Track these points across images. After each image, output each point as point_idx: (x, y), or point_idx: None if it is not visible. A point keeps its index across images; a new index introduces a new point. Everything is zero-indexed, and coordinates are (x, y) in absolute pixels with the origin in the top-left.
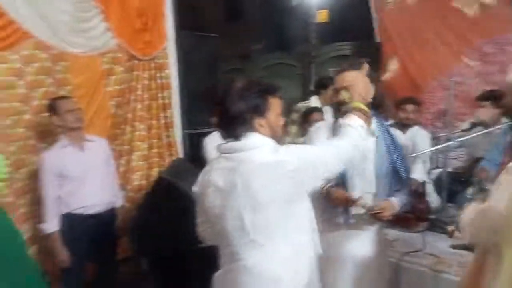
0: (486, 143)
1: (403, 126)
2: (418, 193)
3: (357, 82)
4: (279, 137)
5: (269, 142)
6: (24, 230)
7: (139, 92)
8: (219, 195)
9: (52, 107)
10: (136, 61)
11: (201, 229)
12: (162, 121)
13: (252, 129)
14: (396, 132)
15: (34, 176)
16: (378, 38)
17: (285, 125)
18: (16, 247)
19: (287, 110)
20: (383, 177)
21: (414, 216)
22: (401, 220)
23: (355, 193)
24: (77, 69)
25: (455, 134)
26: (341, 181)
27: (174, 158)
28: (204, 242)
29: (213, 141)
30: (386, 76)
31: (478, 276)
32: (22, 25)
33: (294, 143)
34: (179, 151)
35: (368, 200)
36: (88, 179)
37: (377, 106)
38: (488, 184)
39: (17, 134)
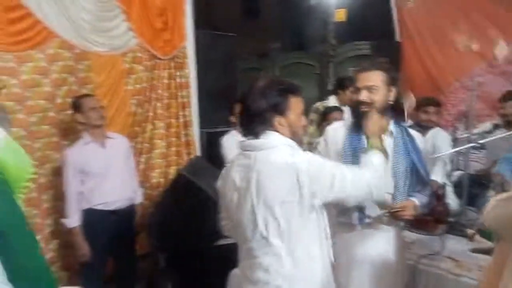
0: (508, 145)
1: (424, 128)
2: (437, 195)
3: (380, 84)
4: (300, 137)
5: (288, 143)
6: (47, 224)
7: (159, 91)
8: (236, 191)
9: (76, 105)
10: (157, 60)
11: (223, 224)
12: (181, 120)
13: (272, 127)
14: (415, 134)
15: (57, 173)
16: (398, 38)
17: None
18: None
19: (305, 110)
20: (401, 178)
21: (433, 218)
22: (420, 222)
23: None
24: (99, 68)
25: (476, 136)
26: None
27: (192, 156)
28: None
29: (230, 140)
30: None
31: (500, 268)
32: (48, 25)
33: (312, 143)
34: (197, 150)
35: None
36: (109, 175)
37: (397, 107)
38: (509, 187)
39: (42, 131)
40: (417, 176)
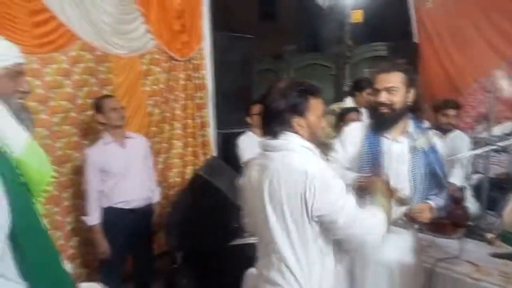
0: None
1: (443, 130)
2: (456, 199)
3: (400, 85)
4: (319, 139)
5: (306, 145)
6: (67, 222)
7: (176, 92)
8: (252, 189)
9: (97, 106)
10: (174, 62)
11: (245, 221)
12: (197, 121)
13: (290, 128)
14: (434, 136)
15: (78, 171)
16: (416, 38)
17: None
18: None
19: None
20: (419, 180)
21: (451, 222)
22: (438, 226)
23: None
24: (118, 69)
25: (496, 138)
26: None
27: (208, 157)
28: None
29: (246, 141)
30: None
31: None
32: (70, 27)
33: (327, 144)
34: (213, 150)
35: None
36: (128, 174)
37: (416, 109)
38: None
39: (63, 131)
40: (434, 179)
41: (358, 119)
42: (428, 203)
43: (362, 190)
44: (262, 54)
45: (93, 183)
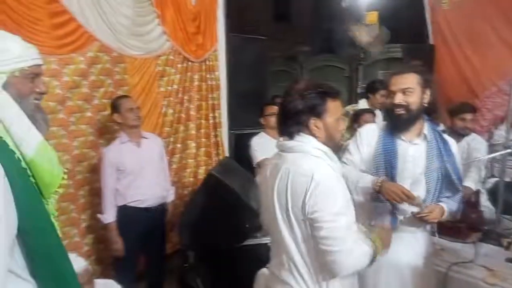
0: None
1: (459, 134)
2: (471, 202)
3: (415, 86)
4: (336, 142)
5: (321, 148)
6: (83, 219)
7: (191, 93)
8: (265, 188)
9: (115, 105)
10: (189, 63)
11: (262, 218)
12: (211, 121)
13: (306, 130)
14: (449, 139)
15: (93, 170)
16: (431, 40)
17: None
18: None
19: None
20: (433, 182)
21: (466, 226)
22: (452, 230)
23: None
24: (133, 70)
25: None
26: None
27: (220, 157)
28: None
29: (259, 141)
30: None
31: None
32: (88, 29)
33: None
34: (225, 151)
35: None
36: (143, 174)
37: (431, 112)
38: None
39: (79, 131)
40: (449, 182)
41: (372, 121)
42: (439, 205)
43: (380, 194)
44: (276, 56)
45: (109, 181)
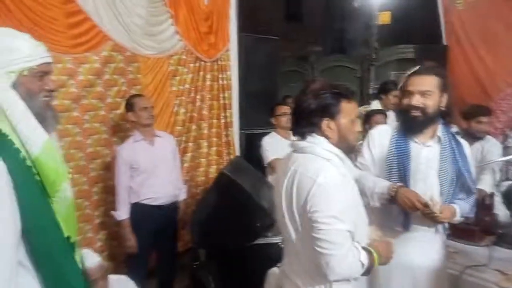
0: None
1: (475, 137)
2: (485, 205)
3: (434, 89)
4: (349, 143)
5: (331, 150)
6: (96, 215)
7: (203, 93)
8: (277, 187)
9: (129, 104)
10: (201, 63)
11: (275, 217)
12: (222, 121)
13: (319, 130)
14: (463, 141)
15: (107, 167)
16: (444, 41)
17: None
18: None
19: None
20: (447, 185)
21: (480, 229)
22: (466, 232)
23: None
24: (146, 69)
25: None
26: (404, 185)
27: (231, 157)
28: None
29: (270, 141)
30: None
31: None
32: (103, 28)
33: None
34: (236, 150)
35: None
36: (156, 172)
37: (446, 114)
38: None
39: (93, 129)
40: (462, 184)
41: (383, 122)
42: (450, 205)
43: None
44: (288, 56)
45: (123, 179)
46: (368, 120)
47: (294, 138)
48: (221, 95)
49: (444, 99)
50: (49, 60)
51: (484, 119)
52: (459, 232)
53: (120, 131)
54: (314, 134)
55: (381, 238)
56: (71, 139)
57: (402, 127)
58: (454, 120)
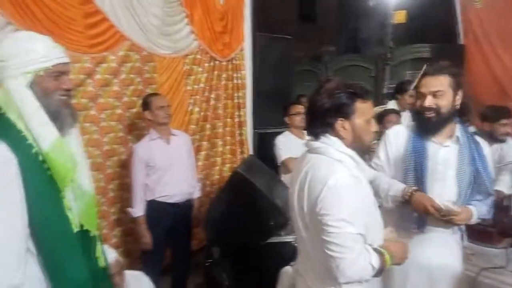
0: None
1: (495, 139)
2: (502, 207)
3: (446, 89)
4: (364, 143)
5: (344, 152)
6: (112, 212)
7: (218, 92)
8: (291, 187)
9: (146, 103)
10: (215, 62)
11: (289, 217)
12: (236, 120)
13: (333, 131)
14: (482, 141)
15: (123, 165)
16: (461, 40)
17: None
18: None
19: None
20: (465, 185)
21: (497, 230)
22: (483, 234)
23: (438, 201)
24: (162, 69)
25: None
26: (420, 187)
27: (244, 156)
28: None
29: (284, 140)
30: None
31: None
32: (120, 28)
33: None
34: (249, 149)
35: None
36: (172, 170)
37: (463, 114)
38: None
39: (110, 127)
40: (480, 185)
41: (397, 121)
42: (467, 207)
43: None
44: (301, 55)
45: (139, 176)
46: (381, 120)
47: (308, 137)
48: (235, 94)
49: (459, 97)
50: (65, 60)
51: (506, 121)
52: (476, 233)
53: (136, 129)
54: (327, 135)
55: (395, 239)
56: (88, 137)
57: (417, 128)
58: (473, 120)
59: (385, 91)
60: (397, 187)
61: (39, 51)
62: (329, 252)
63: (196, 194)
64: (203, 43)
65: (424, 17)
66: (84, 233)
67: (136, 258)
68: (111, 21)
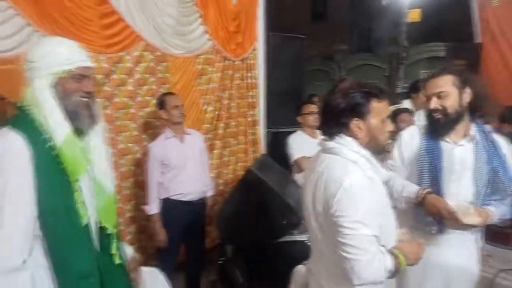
0: None
1: None
2: None
3: (450, 89)
4: (380, 143)
5: (359, 152)
6: (127, 209)
7: (231, 91)
8: (305, 187)
9: (161, 102)
10: (228, 62)
11: (303, 216)
12: (249, 119)
13: (347, 131)
14: (500, 139)
15: (137, 163)
16: (478, 39)
17: None
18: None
19: None
20: (482, 185)
21: None
22: (500, 235)
23: (452, 203)
24: (175, 68)
25: None
26: (435, 187)
27: (257, 155)
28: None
29: (296, 139)
30: None
31: None
32: (135, 29)
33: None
34: (262, 149)
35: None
36: (186, 168)
37: (476, 110)
38: None
39: (124, 126)
40: (498, 184)
41: (409, 120)
42: (486, 208)
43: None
44: (314, 54)
45: (154, 175)
46: (394, 119)
47: (321, 137)
48: (248, 94)
49: (467, 95)
50: (88, 64)
51: None
52: (493, 235)
53: (149, 128)
54: (342, 135)
55: (409, 239)
56: None
57: (429, 129)
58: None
59: (398, 90)
60: (410, 189)
61: (63, 54)
62: (344, 254)
63: (210, 192)
64: (217, 43)
65: (439, 15)
66: (101, 230)
67: (150, 254)
68: (126, 21)
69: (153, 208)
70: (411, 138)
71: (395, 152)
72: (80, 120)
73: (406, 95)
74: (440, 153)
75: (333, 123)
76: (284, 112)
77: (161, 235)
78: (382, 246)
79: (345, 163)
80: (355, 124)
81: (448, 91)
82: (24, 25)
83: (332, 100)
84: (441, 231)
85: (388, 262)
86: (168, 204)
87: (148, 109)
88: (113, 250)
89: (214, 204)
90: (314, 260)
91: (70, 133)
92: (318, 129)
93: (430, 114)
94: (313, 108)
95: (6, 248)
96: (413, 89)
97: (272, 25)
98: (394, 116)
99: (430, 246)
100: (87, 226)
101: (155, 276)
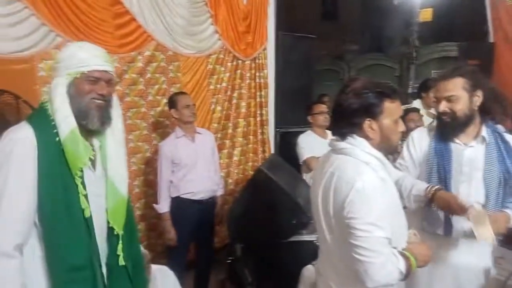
0: None
1: None
2: None
3: (460, 92)
4: (392, 144)
5: (371, 153)
6: (137, 208)
7: (241, 91)
8: (314, 187)
9: (172, 102)
10: (238, 62)
11: (312, 216)
12: (258, 119)
13: (360, 131)
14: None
15: (147, 162)
16: (491, 38)
17: None
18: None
19: None
20: (494, 187)
21: None
22: None
23: (465, 200)
24: (186, 68)
25: None
26: (444, 188)
27: (266, 154)
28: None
29: (306, 139)
30: None
31: None
32: (147, 29)
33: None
34: (271, 148)
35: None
36: (196, 167)
37: (487, 112)
38: None
39: (135, 125)
40: (511, 185)
41: (418, 119)
42: (504, 212)
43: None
44: (324, 54)
45: (164, 173)
46: (403, 119)
47: (331, 137)
48: (258, 93)
49: (478, 97)
50: (103, 68)
51: None
52: (506, 237)
53: (159, 127)
54: (354, 135)
55: (419, 241)
56: None
57: (438, 130)
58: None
59: (409, 90)
60: (420, 186)
61: (81, 57)
62: (357, 256)
63: (220, 191)
64: (227, 42)
65: (451, 15)
66: (110, 230)
67: (160, 252)
68: (138, 21)
69: (163, 206)
70: (421, 138)
71: (405, 152)
72: (90, 120)
73: (417, 95)
74: (449, 155)
75: (345, 123)
76: (294, 112)
77: (171, 234)
78: (394, 247)
79: (357, 164)
80: (368, 124)
81: (458, 95)
82: (39, 26)
83: (344, 100)
84: (449, 234)
85: (401, 264)
86: (178, 203)
87: (159, 109)
88: (119, 251)
89: (223, 203)
90: (323, 261)
91: (74, 129)
92: (329, 129)
93: (439, 116)
94: (323, 108)
95: (0, 233)
96: (423, 88)
97: (282, 25)
98: (403, 116)
99: (440, 248)
100: (86, 221)
101: (165, 274)
